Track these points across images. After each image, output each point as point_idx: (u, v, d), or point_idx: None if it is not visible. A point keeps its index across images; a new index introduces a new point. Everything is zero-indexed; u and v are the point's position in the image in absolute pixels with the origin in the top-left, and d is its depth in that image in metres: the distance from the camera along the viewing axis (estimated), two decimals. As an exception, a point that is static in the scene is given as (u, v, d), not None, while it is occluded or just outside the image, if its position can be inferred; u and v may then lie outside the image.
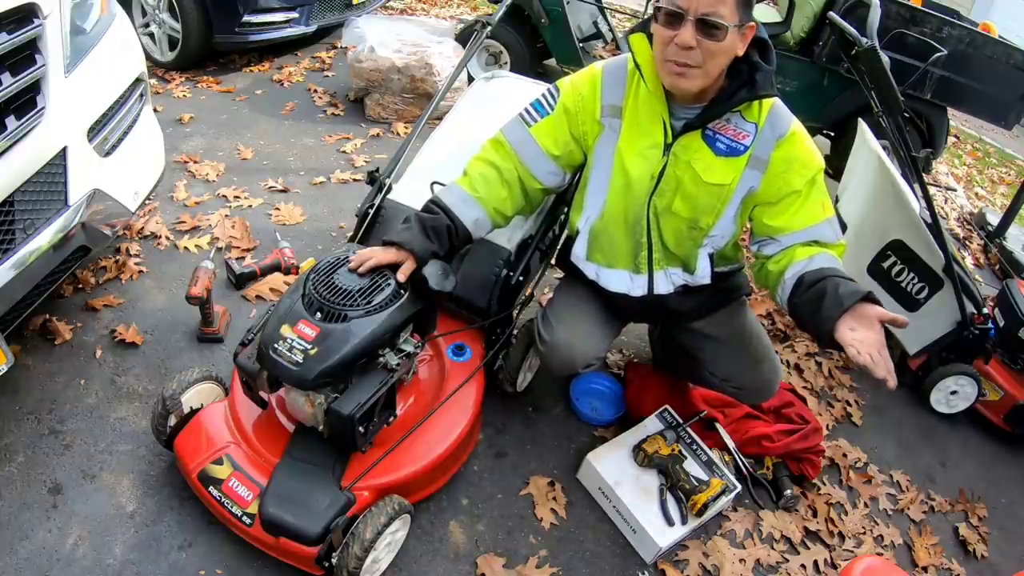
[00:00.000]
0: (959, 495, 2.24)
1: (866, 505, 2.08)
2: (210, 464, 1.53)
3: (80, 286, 2.20)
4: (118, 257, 2.33)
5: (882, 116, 2.24)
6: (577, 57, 3.84)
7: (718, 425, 2.04)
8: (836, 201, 2.74)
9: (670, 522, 1.75)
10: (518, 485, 1.87)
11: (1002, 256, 3.76)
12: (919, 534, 2.05)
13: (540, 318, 1.82)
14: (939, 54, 2.97)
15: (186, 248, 2.44)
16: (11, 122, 1.48)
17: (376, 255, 1.47)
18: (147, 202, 2.23)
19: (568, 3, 3.78)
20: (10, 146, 1.48)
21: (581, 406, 2.10)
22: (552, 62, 4.23)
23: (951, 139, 5.51)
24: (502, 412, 2.05)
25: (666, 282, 1.66)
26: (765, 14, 3.85)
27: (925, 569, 1.96)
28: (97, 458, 1.72)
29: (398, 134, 3.52)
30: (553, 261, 2.10)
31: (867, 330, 1.27)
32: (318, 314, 1.41)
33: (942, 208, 4.36)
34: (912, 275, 2.36)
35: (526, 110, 1.60)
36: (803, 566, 1.84)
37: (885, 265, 2.42)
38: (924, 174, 2.48)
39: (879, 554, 1.94)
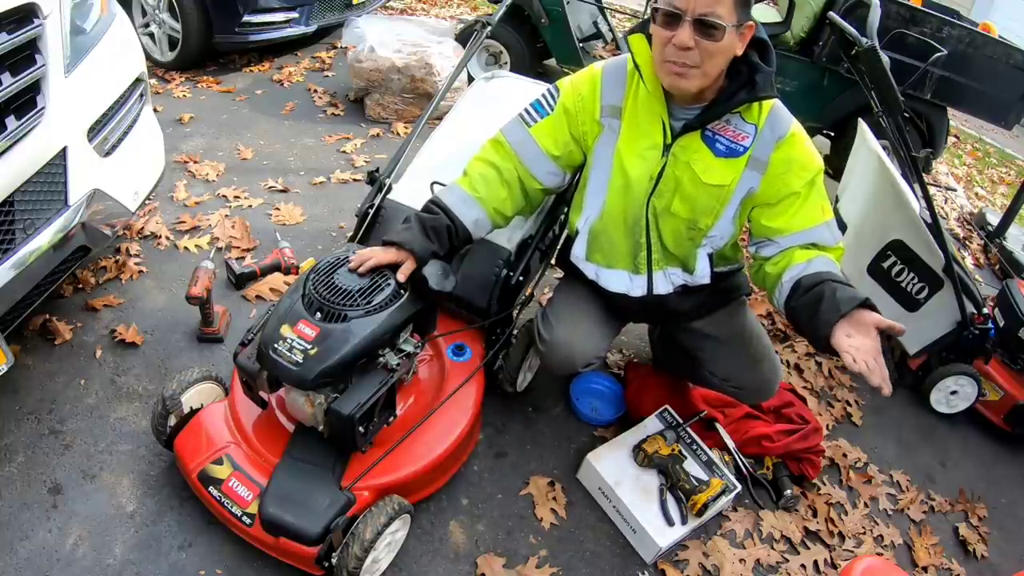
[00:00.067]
0: (959, 495, 2.24)
1: (866, 505, 2.08)
2: (210, 464, 1.53)
3: (80, 286, 2.20)
4: (118, 257, 2.33)
5: (882, 116, 2.24)
6: (577, 57, 3.84)
7: (718, 425, 2.04)
8: (836, 201, 2.74)
9: (670, 522, 1.75)
10: (518, 485, 1.87)
11: (1002, 256, 3.77)
12: (919, 534, 2.05)
13: (540, 317, 1.82)
14: (939, 54, 2.97)
15: (186, 248, 2.44)
16: (11, 122, 1.48)
17: (376, 255, 1.47)
18: (147, 202, 2.23)
19: (568, 3, 3.78)
20: (10, 146, 1.48)
21: (581, 406, 2.10)
22: (552, 62, 4.23)
23: (951, 139, 5.51)
24: (502, 412, 2.05)
25: (665, 282, 1.66)
26: (765, 14, 3.85)
27: (925, 569, 1.96)
28: (97, 458, 1.72)
29: (398, 134, 3.52)
30: (553, 261, 2.10)
31: (864, 337, 1.27)
32: (318, 314, 1.41)
33: (942, 208, 4.36)
34: (912, 275, 2.36)
35: (526, 110, 1.60)
36: (803, 566, 1.84)
37: (885, 265, 2.42)
38: (924, 174, 2.48)
39: (879, 554, 1.94)
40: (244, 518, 1.47)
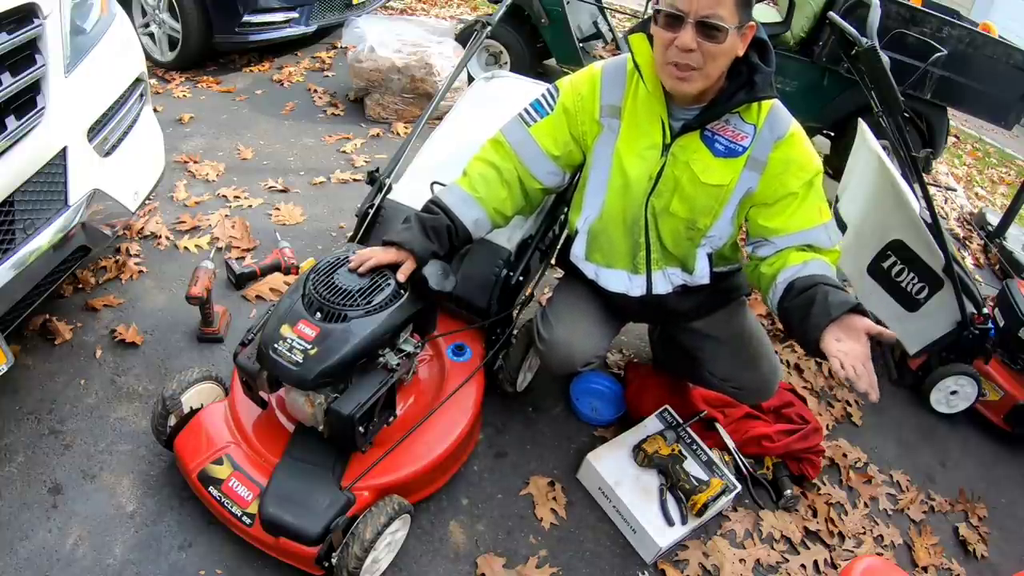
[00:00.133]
0: (959, 495, 2.24)
1: (866, 505, 2.08)
2: (210, 464, 1.53)
3: (80, 286, 2.20)
4: (118, 257, 2.33)
5: (882, 116, 2.24)
6: (577, 57, 3.84)
7: (718, 425, 2.04)
8: (836, 201, 2.73)
9: (670, 522, 1.75)
10: (518, 485, 1.87)
11: (1002, 256, 3.76)
12: (919, 534, 2.05)
13: (540, 317, 1.82)
14: (939, 54, 2.97)
15: (186, 248, 2.44)
16: (11, 122, 1.48)
17: (376, 255, 1.47)
18: (147, 202, 2.23)
19: (568, 3, 3.78)
20: (10, 146, 1.48)
21: (581, 406, 2.10)
22: (552, 62, 4.23)
23: (951, 139, 5.51)
24: (502, 412, 2.05)
25: (665, 282, 1.66)
26: (765, 14, 3.85)
27: (925, 569, 1.96)
28: (97, 458, 1.72)
29: (398, 134, 3.52)
30: (553, 261, 2.10)
31: (853, 342, 1.27)
32: (318, 314, 1.41)
33: (942, 208, 4.36)
34: (912, 275, 2.36)
35: (526, 110, 1.60)
36: (803, 566, 1.84)
37: (885, 265, 2.42)
38: (924, 174, 2.48)
39: (879, 554, 1.94)
40: (244, 518, 1.47)
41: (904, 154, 2.26)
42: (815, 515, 1.99)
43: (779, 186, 1.47)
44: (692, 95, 1.40)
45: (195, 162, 2.94)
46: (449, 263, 1.56)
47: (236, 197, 2.75)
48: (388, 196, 1.98)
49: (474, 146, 1.66)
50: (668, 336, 2.06)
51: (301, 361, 1.37)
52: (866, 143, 2.47)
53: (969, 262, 3.76)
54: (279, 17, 3.72)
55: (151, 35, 3.68)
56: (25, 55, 1.55)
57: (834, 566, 1.87)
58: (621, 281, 1.69)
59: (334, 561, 1.41)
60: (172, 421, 1.61)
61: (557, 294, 1.88)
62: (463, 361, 1.83)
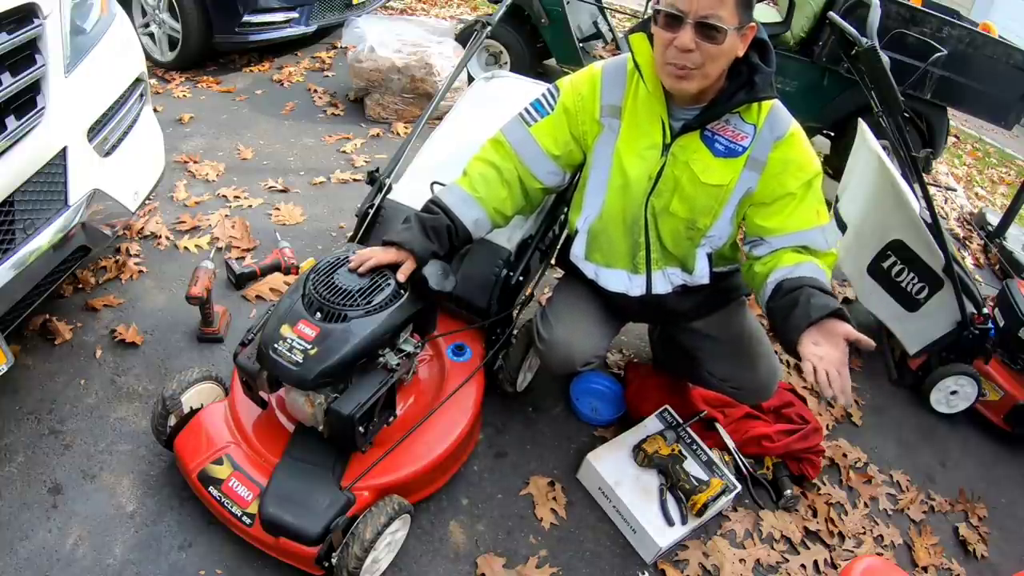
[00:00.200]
0: (959, 495, 2.24)
1: (866, 505, 2.08)
2: (210, 464, 1.53)
3: (80, 286, 2.20)
4: (118, 257, 2.33)
5: (882, 116, 2.24)
6: (577, 57, 3.84)
7: (718, 425, 2.04)
8: (836, 201, 2.74)
9: (670, 522, 1.75)
10: (518, 485, 1.87)
11: (1002, 256, 3.76)
12: (919, 534, 2.05)
13: (539, 317, 1.82)
14: (939, 54, 2.97)
15: (186, 248, 2.44)
16: (11, 122, 1.48)
17: (376, 255, 1.47)
18: (147, 202, 2.23)
19: (568, 3, 3.78)
20: (10, 146, 1.48)
21: (581, 406, 2.10)
22: (552, 62, 4.23)
23: (951, 139, 5.51)
24: (502, 412, 2.05)
25: (664, 282, 1.66)
26: (765, 14, 3.85)
27: (925, 569, 1.96)
28: (97, 458, 1.72)
29: (398, 134, 3.52)
30: (553, 261, 2.10)
31: (831, 347, 1.27)
32: (318, 314, 1.41)
33: (942, 208, 4.36)
34: (912, 275, 2.36)
35: (526, 110, 1.60)
36: (803, 566, 1.84)
37: (885, 265, 2.42)
38: (924, 174, 2.48)
39: (879, 554, 1.94)
40: (244, 518, 1.47)
41: (904, 154, 2.27)
42: (815, 515, 1.99)
43: (777, 186, 1.47)
44: (692, 95, 1.40)
45: (195, 162, 2.94)
46: (449, 263, 1.57)
47: (236, 197, 2.75)
48: (388, 196, 1.98)
49: (474, 146, 1.66)
50: (668, 336, 2.06)
51: (301, 361, 1.37)
52: (866, 143, 2.47)
53: (969, 262, 3.76)
54: (279, 17, 3.72)
55: (151, 35, 3.68)
56: (25, 55, 1.55)
57: (834, 566, 1.87)
58: (621, 281, 1.69)
59: (334, 561, 1.41)
60: (172, 421, 1.61)
61: (557, 294, 1.88)
62: (463, 361, 1.83)
